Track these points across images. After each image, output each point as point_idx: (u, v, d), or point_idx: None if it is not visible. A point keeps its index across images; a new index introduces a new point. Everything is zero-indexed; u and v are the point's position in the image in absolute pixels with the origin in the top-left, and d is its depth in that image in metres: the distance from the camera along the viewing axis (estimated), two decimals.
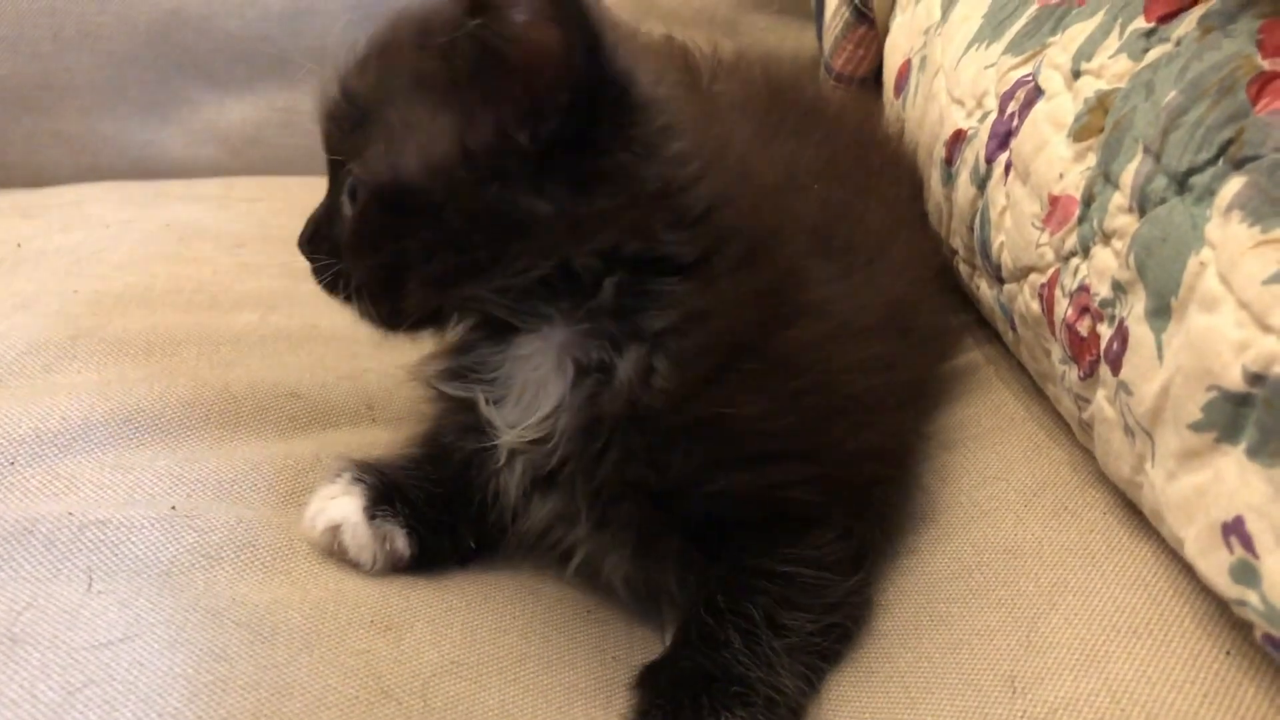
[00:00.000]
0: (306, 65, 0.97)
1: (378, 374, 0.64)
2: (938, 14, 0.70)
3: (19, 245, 0.73)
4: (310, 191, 0.92)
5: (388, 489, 0.51)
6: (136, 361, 0.60)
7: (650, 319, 0.47)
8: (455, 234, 0.45)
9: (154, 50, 0.97)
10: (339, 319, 0.68)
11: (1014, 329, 0.56)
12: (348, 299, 0.49)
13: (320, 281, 0.50)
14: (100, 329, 0.62)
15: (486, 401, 0.49)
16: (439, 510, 0.51)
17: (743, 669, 0.46)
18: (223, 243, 0.78)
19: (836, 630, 0.49)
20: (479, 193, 0.45)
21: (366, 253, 0.47)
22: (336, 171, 0.50)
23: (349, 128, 0.48)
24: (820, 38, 0.91)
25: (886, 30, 0.80)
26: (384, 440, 0.59)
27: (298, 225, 0.82)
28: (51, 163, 0.98)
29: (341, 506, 0.50)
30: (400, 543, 0.50)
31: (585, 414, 0.47)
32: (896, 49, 0.76)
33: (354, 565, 0.50)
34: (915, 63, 0.71)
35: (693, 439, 0.47)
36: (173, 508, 0.49)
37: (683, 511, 0.48)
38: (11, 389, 0.57)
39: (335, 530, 0.49)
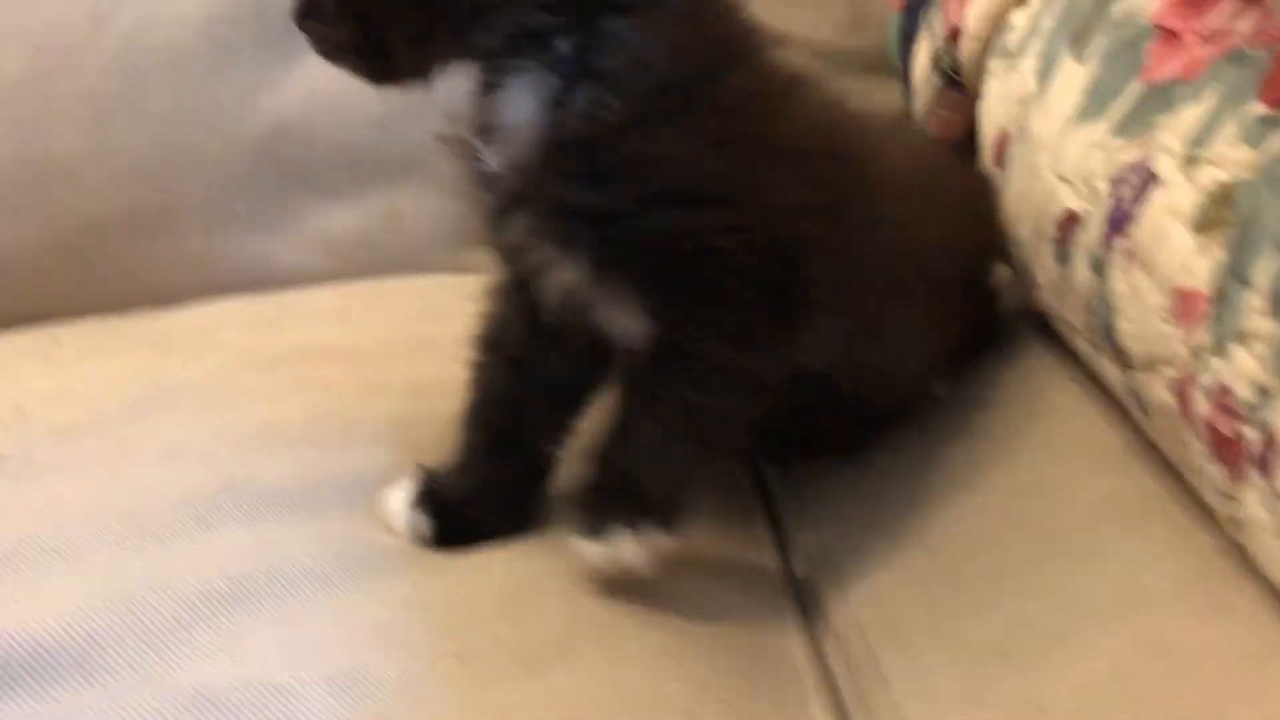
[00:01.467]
0: (405, 167, 1.01)
1: None
2: (1033, 84, 0.70)
3: (157, 384, 0.76)
4: (418, 293, 0.96)
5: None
6: (285, 513, 0.62)
7: (602, 60, 0.53)
8: None
9: (261, 167, 1.00)
10: None
11: (1146, 414, 0.55)
12: (342, 62, 0.56)
13: (318, 50, 0.57)
14: (248, 478, 0.64)
15: (479, 140, 0.57)
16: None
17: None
18: (348, 361, 0.80)
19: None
20: None
21: (352, 19, 0.54)
22: None
23: None
24: (908, 99, 0.91)
25: (978, 95, 0.80)
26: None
27: (413, 334, 0.85)
28: (173, 282, 1.01)
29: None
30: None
31: (547, 139, 0.54)
32: (992, 117, 0.76)
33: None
34: (1014, 133, 0.71)
35: (631, 170, 0.54)
36: (341, 666, 0.51)
37: (626, 245, 0.55)
38: (172, 548, 0.59)
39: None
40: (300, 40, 0.96)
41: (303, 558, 0.59)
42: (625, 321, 0.58)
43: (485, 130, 0.57)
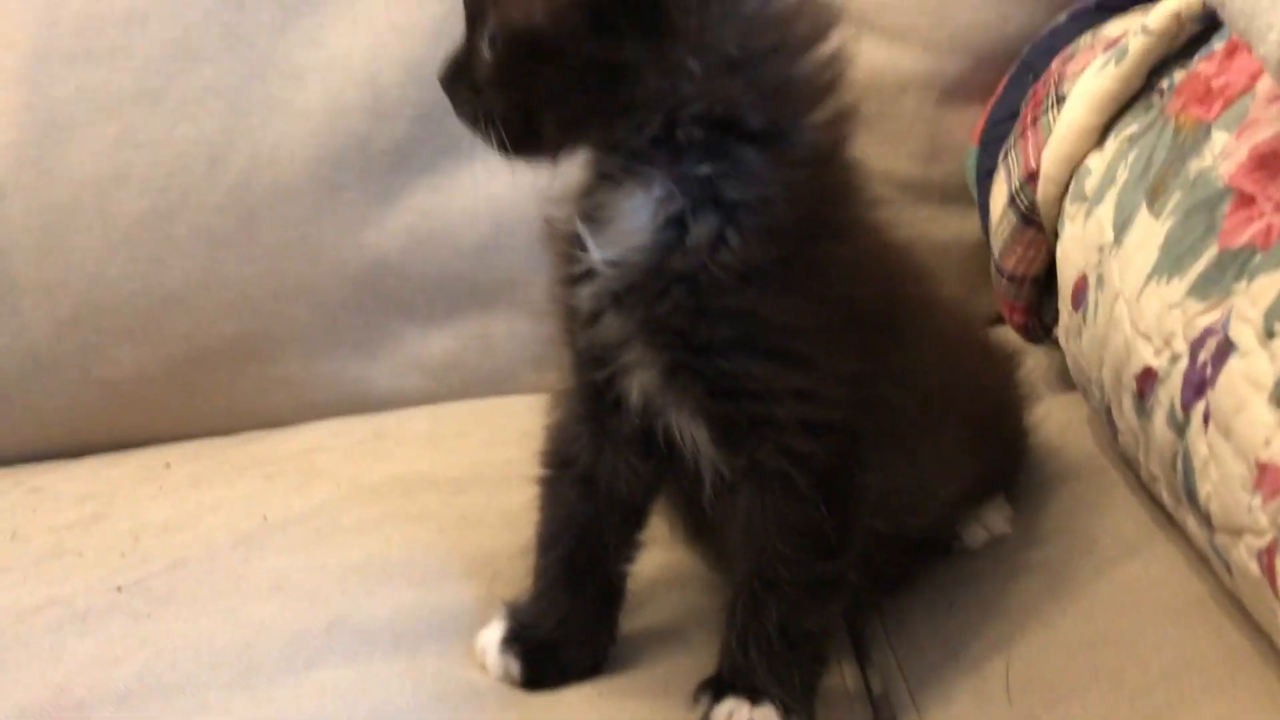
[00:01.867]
0: (496, 292, 1.05)
1: None
2: (1110, 234, 0.71)
3: (265, 517, 0.80)
4: (507, 414, 0.99)
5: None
6: (386, 654, 0.65)
7: (731, 190, 0.55)
8: (578, 80, 0.55)
9: (361, 295, 1.05)
10: None
11: (1231, 574, 0.56)
12: (485, 131, 0.58)
13: (460, 116, 0.60)
14: (352, 615, 0.68)
15: (586, 230, 0.59)
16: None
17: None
18: (443, 490, 0.84)
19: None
20: (592, 41, 0.53)
21: (505, 94, 0.57)
22: (474, 19, 0.59)
23: None
24: (986, 233, 0.93)
25: (1055, 234, 0.82)
26: None
27: (503, 460, 0.88)
28: (275, 405, 1.07)
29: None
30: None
31: (660, 255, 0.57)
32: (1070, 261, 0.77)
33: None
34: (1092, 280, 0.73)
35: (734, 317, 0.56)
36: None
37: (707, 372, 0.57)
38: (280, 687, 0.62)
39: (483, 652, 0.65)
40: (400, 178, 1.03)
41: (400, 698, 0.62)
42: (699, 434, 0.61)
43: (595, 222, 0.59)
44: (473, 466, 0.88)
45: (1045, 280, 0.88)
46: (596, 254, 0.58)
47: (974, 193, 0.99)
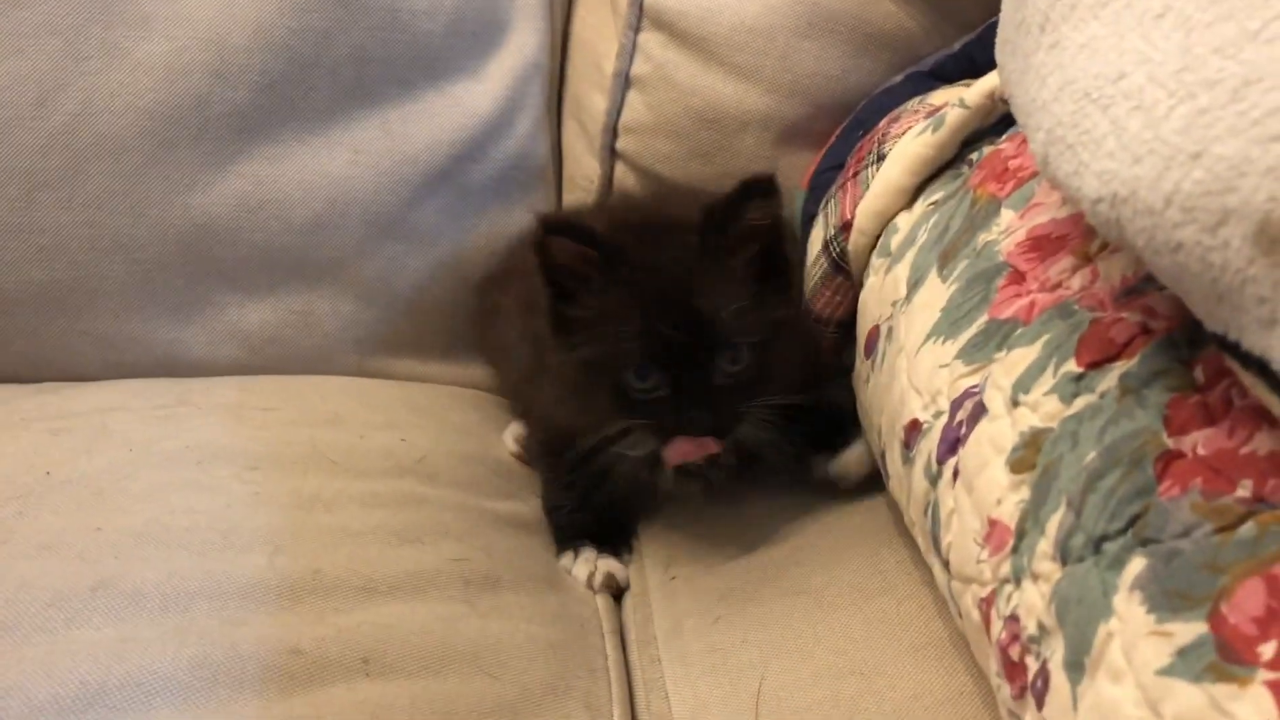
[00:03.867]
0: (323, 271, 1.04)
1: (373, 624, 0.68)
2: (904, 290, 0.76)
3: (48, 473, 0.78)
4: (319, 395, 0.99)
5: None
6: (152, 618, 0.65)
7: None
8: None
9: (183, 258, 1.03)
10: (340, 560, 0.74)
11: (961, 618, 0.60)
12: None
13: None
14: (120, 578, 0.67)
15: None
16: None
17: None
18: (238, 465, 0.83)
19: None
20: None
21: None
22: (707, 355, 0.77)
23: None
24: (802, 277, 0.97)
25: (861, 285, 0.86)
26: (377, 696, 0.64)
27: (307, 441, 0.88)
28: (80, 359, 1.04)
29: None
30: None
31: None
32: (868, 311, 0.82)
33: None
34: (883, 331, 0.77)
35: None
36: None
37: None
38: (35, 645, 0.61)
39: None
40: (237, 144, 1.02)
41: (160, 663, 0.62)
42: None
43: None
44: (273, 443, 0.87)
45: (850, 325, 0.92)
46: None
47: (797, 234, 1.03)
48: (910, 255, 0.78)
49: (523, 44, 1.11)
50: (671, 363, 0.76)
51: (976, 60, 0.96)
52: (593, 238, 0.76)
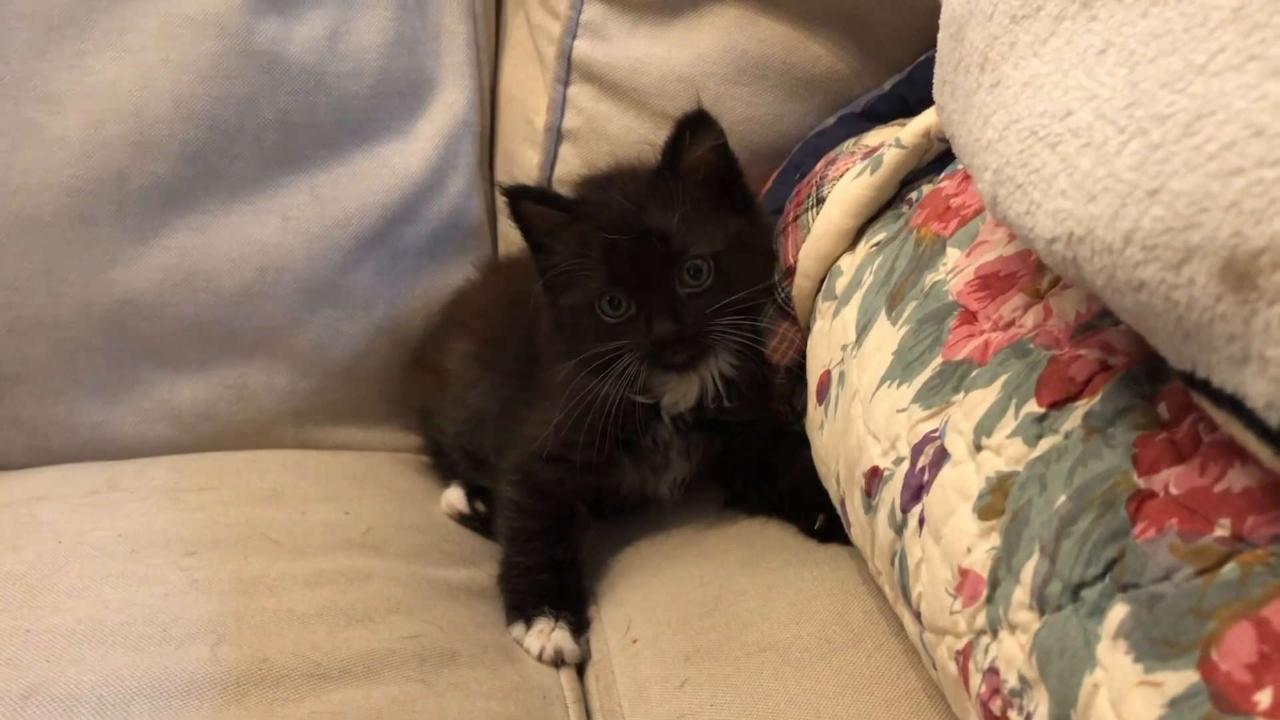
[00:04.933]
0: (256, 342, 1.02)
1: (325, 713, 0.65)
2: (853, 334, 0.75)
3: None
4: (256, 472, 0.96)
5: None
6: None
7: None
8: None
9: (107, 336, 1.00)
10: (287, 646, 0.70)
11: (936, 669, 0.59)
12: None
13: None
14: (53, 683, 0.63)
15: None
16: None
17: None
18: (174, 551, 0.79)
19: None
20: None
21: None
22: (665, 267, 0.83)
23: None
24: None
25: (809, 329, 0.85)
26: None
27: (246, 521, 0.85)
28: (4, 446, 1.00)
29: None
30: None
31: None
32: (816, 357, 0.81)
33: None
34: (834, 376, 0.76)
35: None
36: None
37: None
38: None
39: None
40: (160, 217, 0.99)
41: None
42: None
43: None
44: (210, 526, 0.84)
45: (800, 370, 0.91)
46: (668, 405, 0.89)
47: None
48: (857, 298, 0.77)
49: (451, 102, 1.10)
50: (636, 285, 0.82)
51: (908, 99, 0.97)
52: (555, 197, 0.87)
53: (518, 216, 0.85)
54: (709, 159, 0.85)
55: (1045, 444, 0.52)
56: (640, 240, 0.82)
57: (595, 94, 1.04)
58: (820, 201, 0.89)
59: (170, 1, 1.00)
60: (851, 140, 0.96)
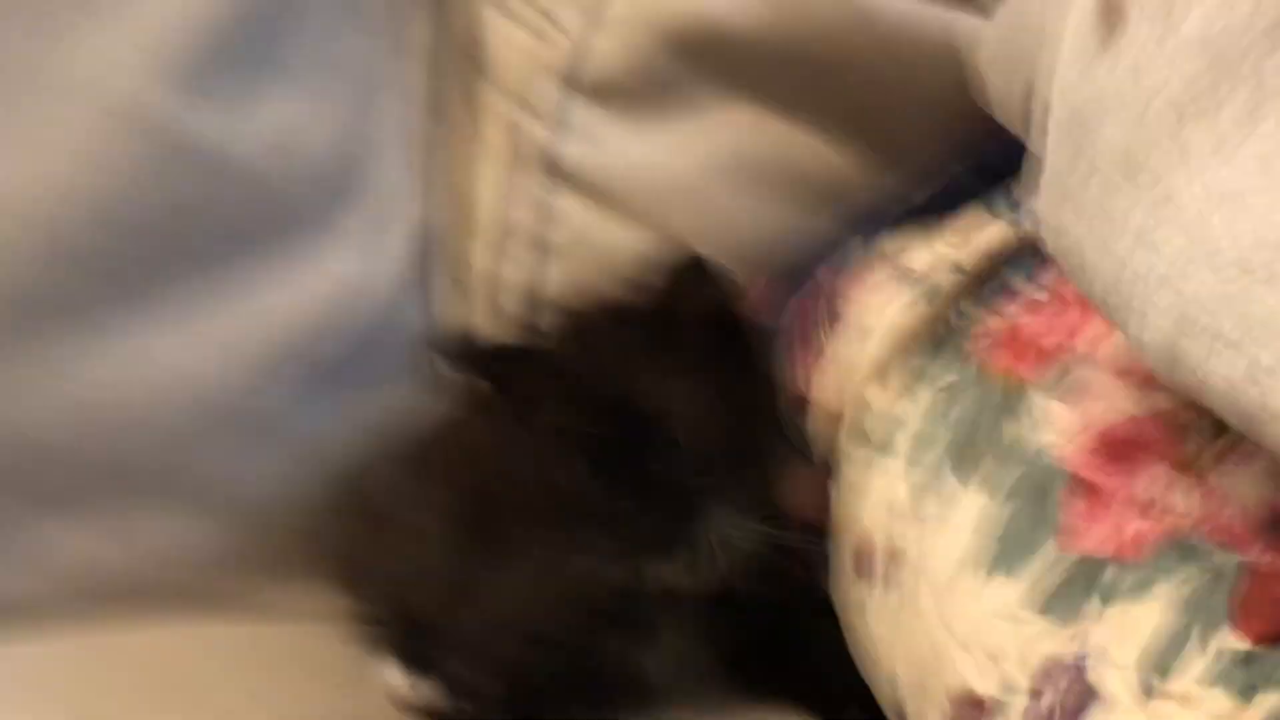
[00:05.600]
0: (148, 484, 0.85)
1: None
2: (904, 493, 0.61)
3: None
4: (143, 655, 0.78)
5: None
6: None
7: None
8: None
9: None
10: None
11: None
12: None
13: None
14: None
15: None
16: None
17: None
18: None
19: None
20: None
21: None
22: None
23: None
24: None
25: (832, 475, 0.71)
26: None
27: None
28: None
29: None
30: None
31: None
32: (853, 515, 0.65)
33: None
34: (881, 544, 0.62)
35: None
36: None
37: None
38: None
39: None
40: (42, 348, 0.82)
41: None
42: None
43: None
44: None
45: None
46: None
47: None
48: (904, 446, 0.63)
49: (387, 194, 0.96)
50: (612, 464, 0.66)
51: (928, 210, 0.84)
52: (509, 360, 0.76)
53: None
54: (707, 312, 0.70)
55: (1267, 702, 0.37)
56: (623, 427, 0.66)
57: (584, 203, 0.92)
58: (834, 318, 0.76)
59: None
60: (860, 241, 0.83)
